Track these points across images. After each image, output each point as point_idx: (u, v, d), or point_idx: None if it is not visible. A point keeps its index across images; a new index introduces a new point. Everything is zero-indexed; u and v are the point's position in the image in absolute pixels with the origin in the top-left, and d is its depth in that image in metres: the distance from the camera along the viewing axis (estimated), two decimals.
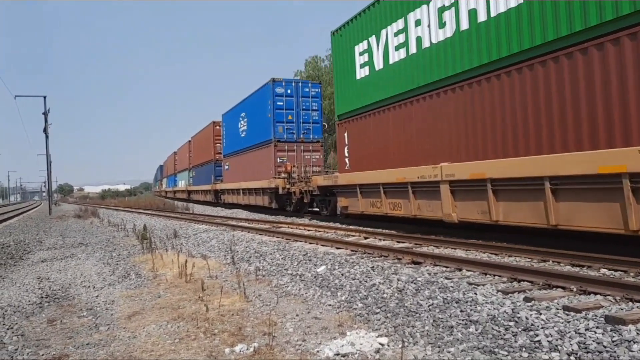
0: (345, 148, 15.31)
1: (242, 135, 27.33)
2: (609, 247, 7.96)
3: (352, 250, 10.07)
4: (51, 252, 13.29)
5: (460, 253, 9.13)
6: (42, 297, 7.58)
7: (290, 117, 22.52)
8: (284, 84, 22.41)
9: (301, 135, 22.77)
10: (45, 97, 37.36)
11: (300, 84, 22.94)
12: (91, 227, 21.55)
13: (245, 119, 26.72)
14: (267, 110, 22.61)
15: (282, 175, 21.49)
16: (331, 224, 15.87)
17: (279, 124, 22.32)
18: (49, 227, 23.74)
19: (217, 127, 34.42)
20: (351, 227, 14.45)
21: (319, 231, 14.30)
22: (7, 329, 5.85)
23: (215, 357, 4.46)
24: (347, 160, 15.27)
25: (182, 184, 51.07)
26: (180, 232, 16.22)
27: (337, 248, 10.59)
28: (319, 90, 23.41)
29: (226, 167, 31.48)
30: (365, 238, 12.09)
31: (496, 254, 8.69)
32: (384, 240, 11.54)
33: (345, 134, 15.30)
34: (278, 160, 22.20)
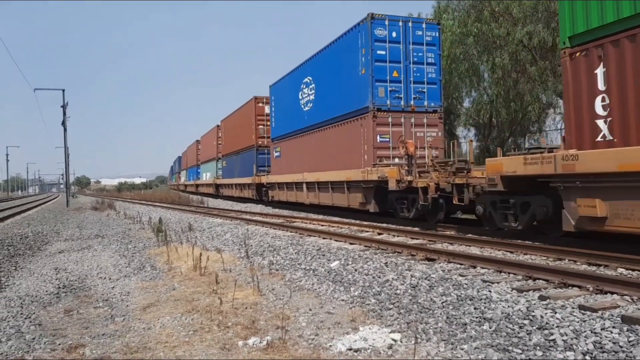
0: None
1: (306, 108, 20.28)
2: (626, 247, 7.84)
3: (365, 246, 10.06)
4: (68, 244, 13.48)
5: (474, 250, 9.08)
6: (59, 288, 7.70)
7: (395, 74, 15.26)
8: (387, 22, 15.16)
9: (411, 102, 15.48)
10: (64, 90, 37.87)
11: (410, 24, 15.59)
12: (107, 219, 21.81)
13: (312, 85, 19.65)
14: (357, 64, 15.67)
15: (393, 160, 14.98)
16: (344, 220, 15.81)
17: (379, 85, 15.11)
18: (67, 218, 24.07)
19: (261, 105, 27.44)
20: (364, 223, 14.43)
21: (333, 226, 14.31)
22: (25, 318, 5.96)
23: (228, 350, 4.50)
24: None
25: (207, 176, 44.28)
26: (195, 225, 16.34)
27: (351, 243, 10.58)
28: (437, 34, 15.91)
29: (276, 155, 24.52)
30: (379, 234, 12.07)
31: (511, 252, 8.62)
32: (397, 236, 11.50)
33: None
34: (378, 139, 15.17)
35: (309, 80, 20.19)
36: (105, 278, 8.40)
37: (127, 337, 5.06)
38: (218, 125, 39.04)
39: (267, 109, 26.79)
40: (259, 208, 25.34)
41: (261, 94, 27.73)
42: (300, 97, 20.95)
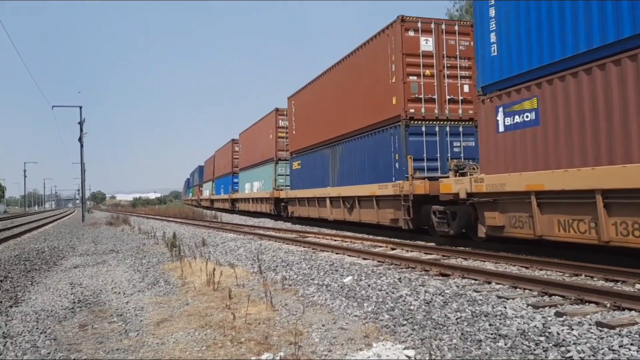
0: None
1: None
2: None
3: (379, 261, 10.02)
4: (83, 259, 13.60)
5: (489, 266, 8.99)
6: (74, 302, 7.76)
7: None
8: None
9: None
10: (81, 108, 38.48)
11: None
12: (122, 235, 21.99)
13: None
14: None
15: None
16: (357, 235, 15.78)
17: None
18: (82, 233, 24.30)
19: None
20: (377, 238, 14.37)
21: (346, 241, 14.27)
22: (41, 332, 6.01)
23: None
24: None
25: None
26: (208, 240, 16.40)
27: (364, 259, 10.54)
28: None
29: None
30: (392, 249, 12.01)
31: (526, 267, 8.53)
32: (411, 251, 11.44)
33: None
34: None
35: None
36: (119, 293, 8.45)
37: (141, 352, 5.07)
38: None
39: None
40: (271, 223, 25.36)
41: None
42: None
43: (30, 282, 9.82)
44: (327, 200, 19.35)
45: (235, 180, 37.89)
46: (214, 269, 8.35)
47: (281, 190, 25.86)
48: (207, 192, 53.74)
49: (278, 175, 27.25)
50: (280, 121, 27.35)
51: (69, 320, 6.71)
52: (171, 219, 36.86)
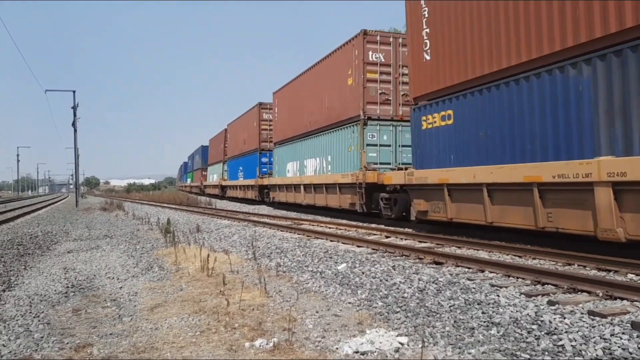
0: None
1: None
2: (636, 252, 7.77)
3: (373, 249, 10.04)
4: (77, 244, 13.57)
5: (482, 254, 9.03)
6: (67, 287, 7.75)
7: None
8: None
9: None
10: (74, 92, 38.17)
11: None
12: (116, 220, 21.93)
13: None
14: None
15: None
16: (352, 222, 15.84)
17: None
18: (76, 219, 24.23)
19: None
20: (372, 225, 14.41)
21: (340, 229, 14.29)
22: (34, 317, 5.99)
23: (235, 351, 4.50)
24: None
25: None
26: (202, 226, 16.39)
27: (358, 246, 10.57)
28: None
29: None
30: (387, 237, 12.04)
31: (520, 256, 8.57)
32: (405, 239, 11.47)
33: None
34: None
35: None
36: (113, 278, 8.44)
37: (135, 337, 5.07)
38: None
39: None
40: (266, 210, 25.40)
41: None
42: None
43: (23, 267, 9.79)
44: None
45: (263, 160, 29.76)
46: (208, 255, 8.35)
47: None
48: (214, 176, 45.28)
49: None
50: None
51: (63, 304, 6.69)
52: (165, 204, 36.79)
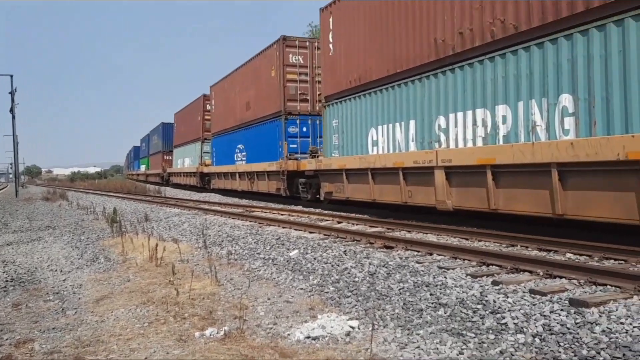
0: None
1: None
2: (575, 233, 8.16)
3: (324, 235, 10.09)
4: (17, 235, 12.97)
5: (431, 238, 9.24)
6: (6, 281, 7.40)
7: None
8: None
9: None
10: (12, 76, 36.20)
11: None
12: (59, 210, 21.09)
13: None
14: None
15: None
16: (305, 209, 15.87)
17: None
18: (15, 209, 23.14)
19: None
20: (325, 211, 14.49)
21: (292, 215, 14.29)
22: None
23: (184, 341, 4.43)
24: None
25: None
26: (151, 215, 16.00)
27: (310, 232, 10.59)
28: None
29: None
30: (339, 222, 12.14)
31: (466, 239, 8.82)
32: (357, 224, 11.59)
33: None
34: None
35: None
36: (56, 270, 8.13)
37: (79, 330, 4.91)
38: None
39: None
40: (217, 198, 25.09)
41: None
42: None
43: None
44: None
45: (291, 130, 19.50)
46: (157, 245, 8.16)
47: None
48: (185, 161, 35.24)
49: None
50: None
51: (1, 299, 6.40)
52: (112, 193, 35.69)
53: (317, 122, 18.46)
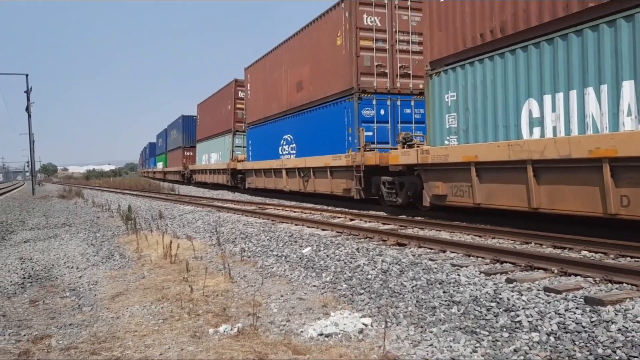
0: None
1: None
2: (590, 230, 8.07)
3: (337, 232, 10.10)
4: (34, 233, 13.16)
5: (444, 235, 9.20)
6: (24, 278, 7.52)
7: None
8: None
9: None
10: (27, 75, 36.67)
11: None
12: (75, 208, 21.35)
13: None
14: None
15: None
16: (317, 206, 15.86)
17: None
18: (32, 207, 23.46)
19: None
20: (337, 208, 14.48)
21: (305, 213, 14.31)
22: None
23: (198, 338, 4.47)
24: None
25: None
26: (165, 213, 16.13)
27: (323, 229, 10.61)
28: None
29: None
30: (351, 220, 12.13)
31: (480, 236, 8.78)
32: (369, 222, 11.58)
33: None
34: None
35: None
36: (72, 267, 8.24)
37: (95, 326, 4.97)
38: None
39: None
40: (230, 195, 25.16)
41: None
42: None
43: None
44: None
45: (364, 112, 15.41)
46: (171, 242, 8.24)
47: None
48: (211, 156, 31.82)
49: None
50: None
51: (19, 296, 6.50)
52: (127, 191, 36.02)
53: (398, 102, 14.64)
